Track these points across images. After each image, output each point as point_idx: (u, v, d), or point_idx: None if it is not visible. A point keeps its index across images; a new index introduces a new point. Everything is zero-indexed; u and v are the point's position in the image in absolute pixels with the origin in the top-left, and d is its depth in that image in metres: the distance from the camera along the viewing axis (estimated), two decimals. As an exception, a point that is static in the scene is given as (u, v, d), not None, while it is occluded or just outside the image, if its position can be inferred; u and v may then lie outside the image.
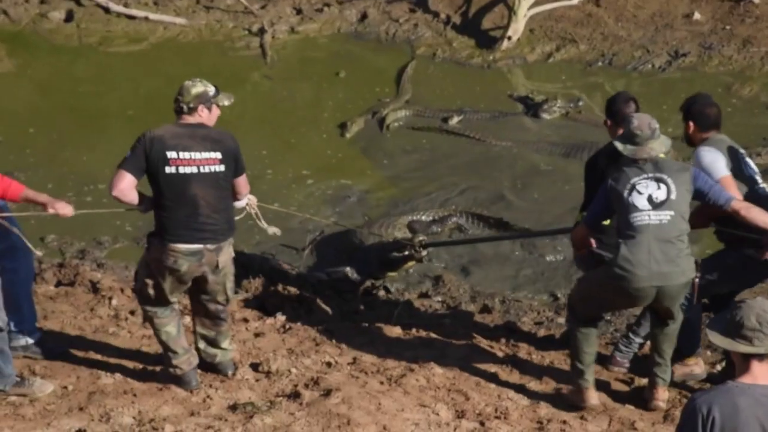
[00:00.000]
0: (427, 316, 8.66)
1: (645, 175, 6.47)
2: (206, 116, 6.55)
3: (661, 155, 6.57)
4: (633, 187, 6.45)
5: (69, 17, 15.92)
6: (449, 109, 13.12)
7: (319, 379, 6.98)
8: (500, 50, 14.64)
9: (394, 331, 8.12)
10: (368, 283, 9.24)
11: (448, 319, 8.58)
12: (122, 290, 8.51)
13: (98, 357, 7.15)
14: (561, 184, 11.12)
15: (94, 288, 8.54)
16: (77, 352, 7.22)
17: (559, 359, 7.60)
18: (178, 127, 6.50)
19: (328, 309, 8.61)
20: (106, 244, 9.95)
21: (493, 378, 7.31)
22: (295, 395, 6.75)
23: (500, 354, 7.72)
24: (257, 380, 6.96)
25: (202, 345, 6.92)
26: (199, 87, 6.52)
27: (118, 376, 6.92)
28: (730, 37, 14.17)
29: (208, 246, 6.49)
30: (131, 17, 15.83)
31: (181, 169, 6.39)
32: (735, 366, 4.37)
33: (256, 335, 7.73)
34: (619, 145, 6.55)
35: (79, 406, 6.48)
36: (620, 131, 6.77)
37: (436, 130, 12.54)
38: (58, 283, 8.75)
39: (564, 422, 6.76)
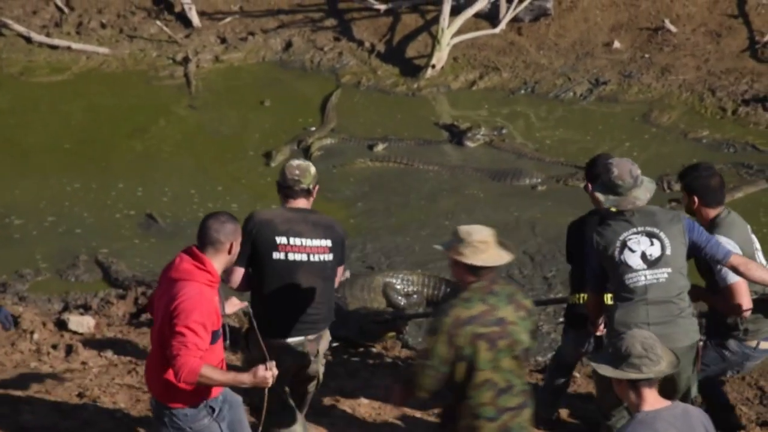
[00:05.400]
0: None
1: (635, 230, 5.92)
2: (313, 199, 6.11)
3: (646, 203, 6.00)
4: (624, 245, 5.90)
5: (-11, 47, 15.76)
6: (374, 137, 13.19)
7: (244, 412, 6.95)
8: (424, 78, 14.75)
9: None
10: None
11: (373, 348, 8.60)
12: (44, 324, 8.42)
13: (19, 393, 7.05)
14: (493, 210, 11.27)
15: (15, 322, 8.43)
16: (-3, 388, 7.14)
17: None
18: (288, 211, 5.99)
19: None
20: (28, 277, 9.82)
21: (418, 407, 7.33)
22: (219, 428, 6.71)
23: (425, 383, 7.73)
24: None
25: None
26: (312, 167, 6.04)
27: (39, 412, 6.83)
28: (649, 65, 14.42)
29: (309, 336, 6.00)
30: (53, 47, 15.70)
31: (291, 256, 5.89)
32: (626, 400, 4.56)
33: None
34: (600, 196, 5.99)
35: (-1, 443, 6.40)
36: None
37: (361, 163, 12.55)
38: (-21, 318, 8.62)
39: (488, 450, 6.80)
